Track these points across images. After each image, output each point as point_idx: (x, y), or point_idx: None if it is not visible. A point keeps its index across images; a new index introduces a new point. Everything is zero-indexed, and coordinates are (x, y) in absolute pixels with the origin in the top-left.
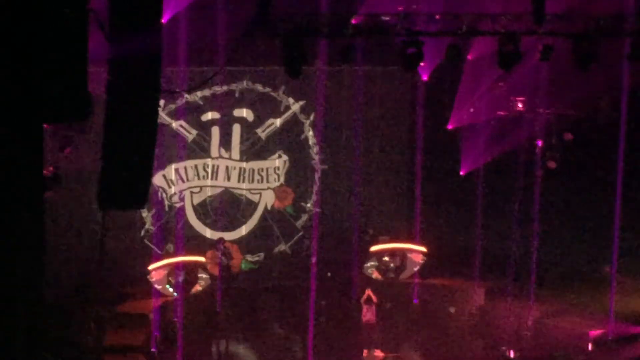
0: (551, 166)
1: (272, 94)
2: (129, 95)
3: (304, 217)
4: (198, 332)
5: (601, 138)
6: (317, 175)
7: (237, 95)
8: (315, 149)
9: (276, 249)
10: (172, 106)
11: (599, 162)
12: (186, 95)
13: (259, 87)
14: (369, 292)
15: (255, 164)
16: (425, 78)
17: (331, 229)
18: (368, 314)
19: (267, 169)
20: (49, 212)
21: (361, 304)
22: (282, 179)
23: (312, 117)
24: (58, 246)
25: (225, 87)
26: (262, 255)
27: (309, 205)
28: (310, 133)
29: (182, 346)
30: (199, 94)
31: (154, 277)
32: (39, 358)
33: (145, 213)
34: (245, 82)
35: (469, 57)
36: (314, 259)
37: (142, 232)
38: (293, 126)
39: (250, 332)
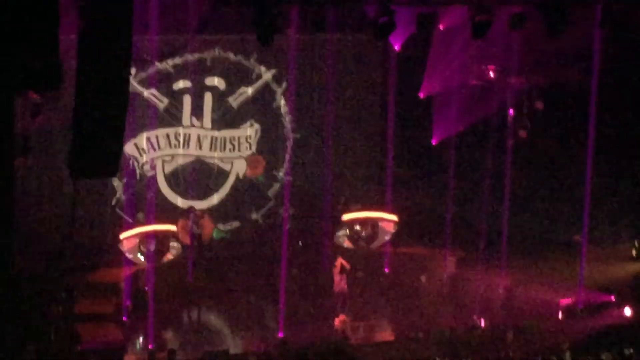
0: (522, 135)
1: (244, 62)
2: (100, 63)
3: (276, 185)
4: (169, 301)
5: (572, 107)
6: (289, 144)
7: (208, 63)
8: (287, 118)
9: (248, 218)
10: (143, 74)
11: (569, 131)
12: (157, 64)
13: (231, 56)
14: (340, 260)
15: (227, 133)
16: (397, 48)
17: (303, 198)
18: (341, 283)
19: (238, 138)
20: (19, 179)
21: (333, 275)
22: (253, 148)
23: (284, 86)
24: (28, 214)
25: (196, 55)
26: (233, 224)
27: (280, 174)
28: (282, 102)
29: (153, 315)
30: (170, 62)
31: (125, 245)
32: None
33: (116, 182)
34: (216, 50)
35: (440, 26)
36: (285, 228)
37: (114, 201)
38: (265, 95)
39: (222, 301)
